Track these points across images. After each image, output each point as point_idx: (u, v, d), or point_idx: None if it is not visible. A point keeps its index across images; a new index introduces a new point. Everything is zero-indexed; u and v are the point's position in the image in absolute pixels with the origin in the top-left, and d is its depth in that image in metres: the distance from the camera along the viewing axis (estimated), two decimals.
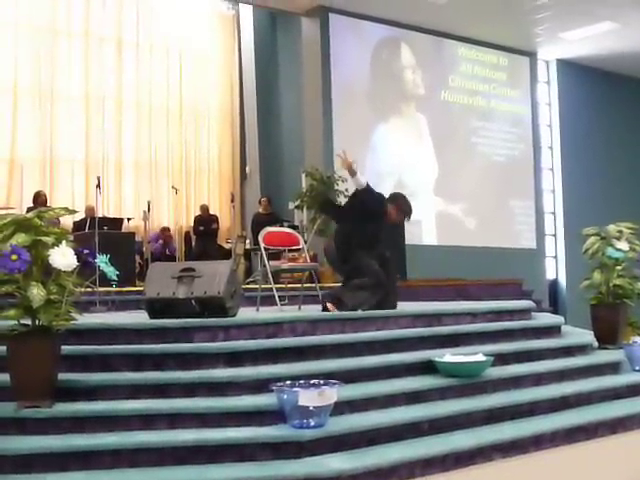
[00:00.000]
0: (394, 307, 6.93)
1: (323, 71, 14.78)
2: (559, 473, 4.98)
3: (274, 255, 8.61)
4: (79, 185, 14.52)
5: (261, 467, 4.33)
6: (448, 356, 5.75)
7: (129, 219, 12.83)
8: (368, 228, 7.02)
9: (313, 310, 7.06)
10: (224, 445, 4.43)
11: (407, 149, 16.02)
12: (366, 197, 7.03)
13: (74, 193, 14.42)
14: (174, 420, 4.60)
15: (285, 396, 4.56)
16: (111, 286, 8.92)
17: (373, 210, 7.03)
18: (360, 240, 6.96)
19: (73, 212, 5.33)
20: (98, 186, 10.37)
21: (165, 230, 13.89)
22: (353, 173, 6.97)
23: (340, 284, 7.27)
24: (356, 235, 6.97)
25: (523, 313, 7.45)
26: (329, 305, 6.76)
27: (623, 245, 7.92)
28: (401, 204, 7.19)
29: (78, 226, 11.67)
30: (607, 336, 7.65)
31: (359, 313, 6.52)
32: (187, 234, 14.65)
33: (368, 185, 7.05)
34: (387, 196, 7.22)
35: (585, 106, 18.47)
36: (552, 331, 7.27)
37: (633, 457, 5.41)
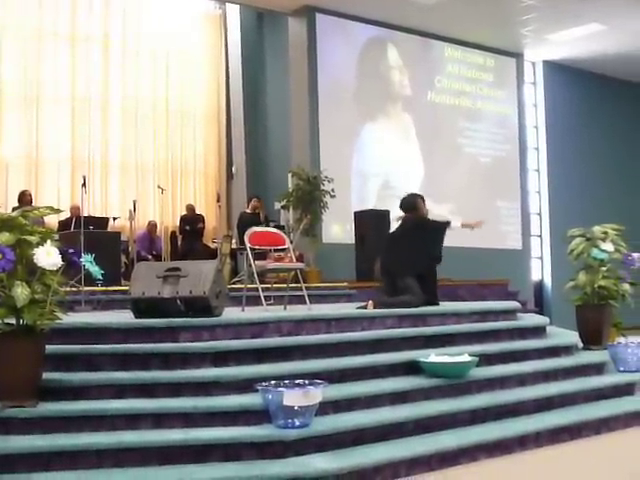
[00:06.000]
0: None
1: (310, 71, 14.76)
2: (543, 473, 5.00)
3: (260, 255, 8.60)
4: (64, 184, 14.44)
5: (246, 467, 4.34)
6: (433, 356, 5.77)
7: (115, 218, 12.77)
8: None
9: (298, 310, 7.06)
10: (209, 445, 4.43)
11: (393, 149, 15.99)
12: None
13: (60, 192, 14.33)
14: (159, 420, 4.60)
15: (270, 396, 4.56)
16: (96, 285, 8.87)
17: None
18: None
19: (58, 211, 5.32)
20: (84, 185, 10.34)
21: (152, 225, 13.78)
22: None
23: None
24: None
25: (509, 314, 7.47)
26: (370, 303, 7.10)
27: (608, 246, 7.97)
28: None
29: (63, 225, 11.60)
30: (592, 337, 7.70)
31: (344, 312, 6.55)
32: (173, 234, 14.59)
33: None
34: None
35: (571, 107, 18.53)
36: (537, 332, 7.29)
37: (617, 458, 5.44)
